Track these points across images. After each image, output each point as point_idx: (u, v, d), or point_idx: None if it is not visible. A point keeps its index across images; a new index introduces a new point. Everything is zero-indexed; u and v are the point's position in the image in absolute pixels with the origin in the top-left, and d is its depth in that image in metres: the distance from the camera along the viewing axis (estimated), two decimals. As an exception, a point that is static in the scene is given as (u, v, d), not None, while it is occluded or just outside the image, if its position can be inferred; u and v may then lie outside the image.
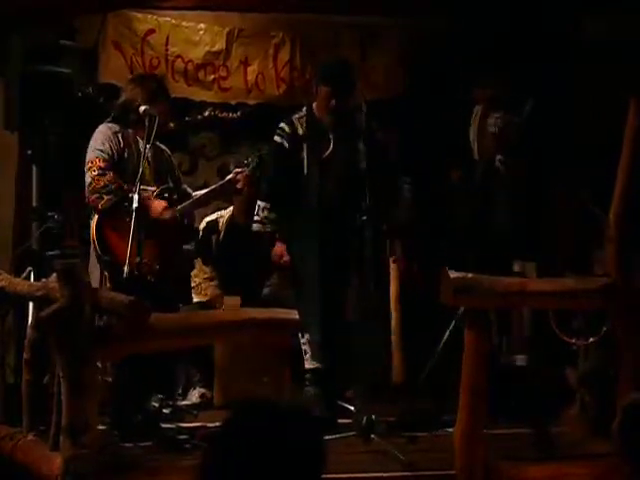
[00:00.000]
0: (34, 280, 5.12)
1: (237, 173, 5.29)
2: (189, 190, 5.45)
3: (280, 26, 6.86)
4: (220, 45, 6.78)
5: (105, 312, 3.96)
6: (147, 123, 4.90)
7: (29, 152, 5.97)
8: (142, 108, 4.98)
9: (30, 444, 4.30)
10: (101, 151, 5.01)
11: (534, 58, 6.08)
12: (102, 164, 4.98)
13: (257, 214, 5.39)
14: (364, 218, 4.95)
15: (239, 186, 5.33)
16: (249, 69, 6.83)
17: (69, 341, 3.71)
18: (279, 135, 5.41)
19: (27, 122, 5.95)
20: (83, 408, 3.69)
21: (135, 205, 4.70)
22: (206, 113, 6.97)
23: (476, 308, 4.02)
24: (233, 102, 6.92)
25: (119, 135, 5.10)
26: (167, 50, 6.72)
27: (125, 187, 4.93)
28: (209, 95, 6.86)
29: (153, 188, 5.14)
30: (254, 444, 1.89)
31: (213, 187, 5.40)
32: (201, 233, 6.09)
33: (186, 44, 6.76)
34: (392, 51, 6.96)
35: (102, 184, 4.93)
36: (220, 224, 6.12)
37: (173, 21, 6.72)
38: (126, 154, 5.09)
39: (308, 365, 5.21)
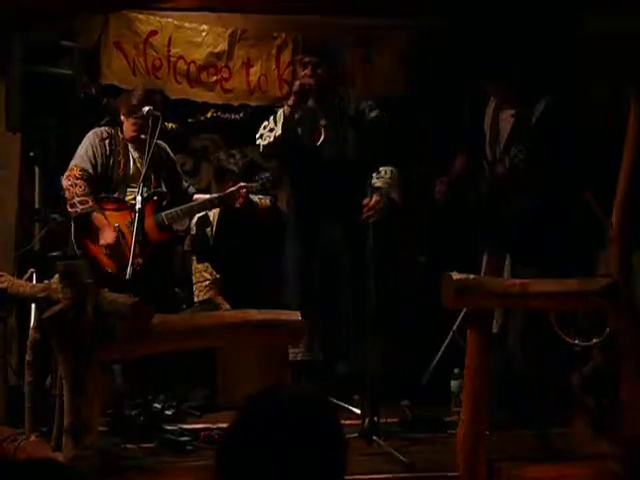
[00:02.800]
0: (36, 282, 5.14)
1: (240, 187, 5.32)
2: (191, 190, 5.48)
3: (282, 27, 6.88)
4: (222, 46, 6.79)
5: (107, 313, 3.98)
6: (150, 124, 4.94)
7: (31, 154, 5.99)
8: (146, 109, 5.03)
9: (32, 445, 4.33)
10: (81, 160, 5.13)
11: (537, 57, 6.08)
12: (78, 174, 5.12)
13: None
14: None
15: (238, 202, 5.35)
16: (251, 70, 6.85)
17: (71, 342, 3.73)
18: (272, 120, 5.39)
19: (29, 123, 5.98)
20: (85, 409, 3.71)
21: (138, 206, 4.75)
22: (208, 114, 7.00)
23: (478, 309, 4.05)
24: (235, 103, 6.94)
25: (106, 141, 5.21)
26: (169, 51, 6.73)
27: (91, 201, 5.11)
28: (211, 96, 6.87)
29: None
30: (271, 436, 1.84)
31: (212, 197, 5.42)
32: (194, 230, 6.11)
33: (188, 45, 6.77)
34: (394, 52, 6.98)
35: (72, 195, 5.16)
36: (211, 217, 6.11)
37: (175, 22, 6.73)
38: (112, 160, 5.19)
39: (295, 357, 5.19)
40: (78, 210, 5.13)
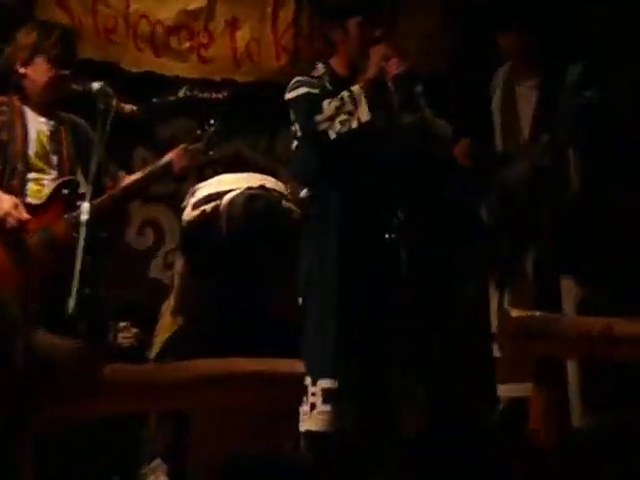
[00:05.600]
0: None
1: (182, 149, 5.26)
2: (120, 173, 5.37)
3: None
4: (200, 2, 6.78)
5: (44, 362, 3.95)
6: (101, 107, 4.87)
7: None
8: (96, 85, 4.97)
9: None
10: None
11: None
12: None
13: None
14: (393, 236, 4.91)
15: (181, 164, 5.27)
16: (238, 34, 6.85)
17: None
18: (306, 84, 5.25)
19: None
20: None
21: (85, 217, 4.65)
22: (180, 93, 6.96)
23: (546, 357, 4.05)
24: (217, 78, 6.92)
25: None
26: (128, 8, 6.69)
27: None
28: (185, 69, 6.86)
29: (50, 177, 5.15)
30: None
31: (148, 170, 5.34)
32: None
33: (154, 0, 6.75)
34: (430, 15, 6.97)
35: None
36: None
37: (136, -31, 6.73)
38: (6, 134, 5.09)
39: (318, 427, 5.07)
40: None
